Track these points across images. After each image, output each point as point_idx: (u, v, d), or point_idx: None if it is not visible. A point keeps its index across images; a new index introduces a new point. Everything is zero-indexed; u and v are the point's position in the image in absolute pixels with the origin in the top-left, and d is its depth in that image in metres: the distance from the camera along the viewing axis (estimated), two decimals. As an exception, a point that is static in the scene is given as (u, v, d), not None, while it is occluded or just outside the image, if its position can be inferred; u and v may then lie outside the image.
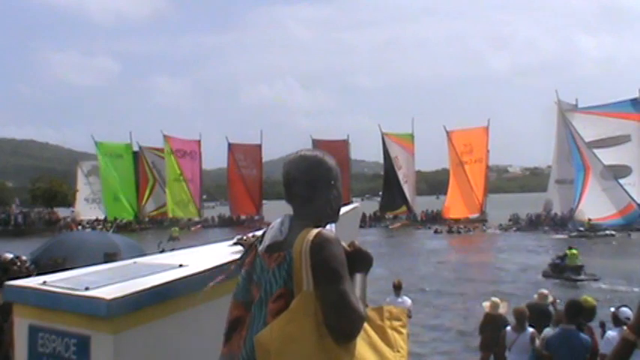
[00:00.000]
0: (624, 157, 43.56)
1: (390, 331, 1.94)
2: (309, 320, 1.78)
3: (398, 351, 1.92)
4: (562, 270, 21.26)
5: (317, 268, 1.81)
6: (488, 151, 53.89)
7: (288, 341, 1.75)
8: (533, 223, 47.35)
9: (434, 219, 53.54)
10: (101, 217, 55.24)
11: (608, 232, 39.61)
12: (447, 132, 54.27)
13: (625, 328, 1.82)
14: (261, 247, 2.00)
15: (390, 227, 51.71)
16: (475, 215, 51.28)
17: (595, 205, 42.70)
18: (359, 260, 1.97)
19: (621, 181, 43.32)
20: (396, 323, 1.97)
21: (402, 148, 56.45)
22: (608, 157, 43.54)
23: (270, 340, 1.75)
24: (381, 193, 63.38)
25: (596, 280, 20.57)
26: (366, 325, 1.86)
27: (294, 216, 2.01)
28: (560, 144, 47.77)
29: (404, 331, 1.98)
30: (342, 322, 1.77)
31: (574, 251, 21.92)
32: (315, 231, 1.86)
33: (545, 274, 21.66)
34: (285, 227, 1.97)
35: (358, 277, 1.94)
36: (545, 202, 49.45)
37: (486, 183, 54.19)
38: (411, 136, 57.29)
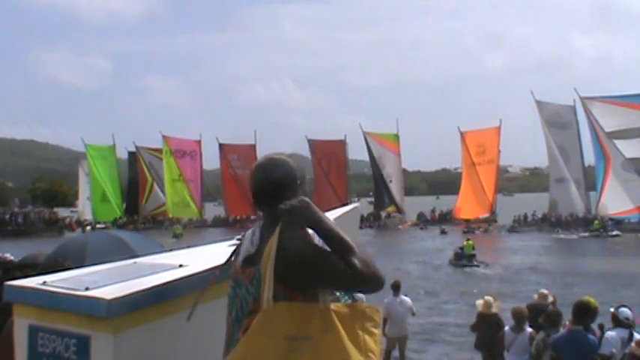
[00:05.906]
0: None
1: (360, 333, 1.88)
2: (269, 340, 1.76)
3: (367, 355, 1.86)
4: (461, 258, 24.98)
5: (299, 275, 1.81)
6: (499, 152, 53.13)
7: None
8: (553, 224, 46.42)
9: (444, 219, 53.22)
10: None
11: (615, 232, 39.12)
12: (461, 133, 53.52)
13: (633, 344, 1.82)
14: (238, 261, 1.99)
15: (399, 227, 51.54)
16: (485, 215, 51.03)
17: (615, 198, 41.65)
18: (301, 217, 1.86)
19: None
20: (368, 324, 1.91)
21: (383, 148, 55.79)
22: (628, 149, 42.18)
23: None
24: (371, 193, 63.04)
25: (480, 266, 24.21)
26: (337, 324, 1.84)
27: (265, 223, 1.98)
28: (550, 143, 47.39)
29: (376, 331, 1.93)
30: (370, 286, 1.87)
31: (470, 242, 25.74)
32: (274, 238, 1.83)
33: (451, 262, 25.31)
34: (256, 238, 1.95)
35: (332, 227, 1.86)
36: (549, 202, 49.20)
37: (497, 183, 53.69)
38: (396, 136, 56.67)
